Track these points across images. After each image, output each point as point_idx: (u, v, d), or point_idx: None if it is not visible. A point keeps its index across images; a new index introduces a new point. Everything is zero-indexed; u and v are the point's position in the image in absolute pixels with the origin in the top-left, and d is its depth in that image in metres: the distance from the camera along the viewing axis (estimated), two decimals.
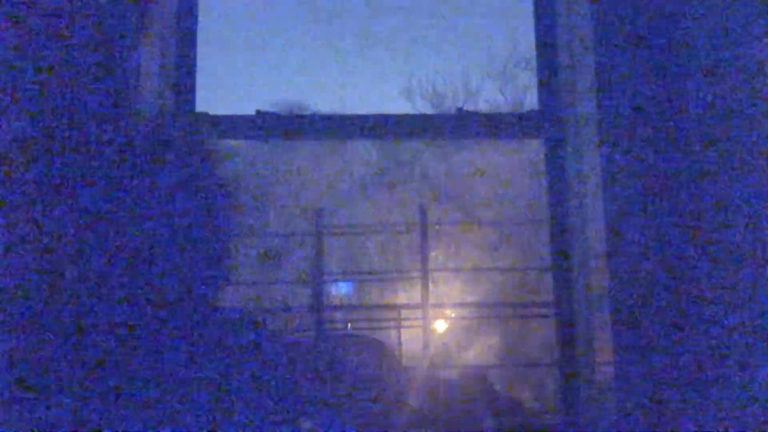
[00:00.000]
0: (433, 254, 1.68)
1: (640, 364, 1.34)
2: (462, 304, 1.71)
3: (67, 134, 0.97)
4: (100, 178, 0.93)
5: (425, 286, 1.61)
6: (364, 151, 1.82)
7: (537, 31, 1.70)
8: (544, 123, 1.65)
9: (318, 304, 1.66)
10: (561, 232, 1.61)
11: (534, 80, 1.72)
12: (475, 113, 1.71)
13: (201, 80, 1.64)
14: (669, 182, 1.40)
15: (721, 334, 1.27)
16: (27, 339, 0.86)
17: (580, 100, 1.56)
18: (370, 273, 1.72)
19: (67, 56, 1.06)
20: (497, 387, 1.55)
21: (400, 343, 1.67)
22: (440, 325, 1.71)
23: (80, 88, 1.07)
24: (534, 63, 1.72)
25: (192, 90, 1.62)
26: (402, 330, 1.67)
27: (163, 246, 0.96)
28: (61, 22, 1.07)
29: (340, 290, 1.75)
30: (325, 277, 1.70)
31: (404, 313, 1.68)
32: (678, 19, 1.42)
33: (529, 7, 1.71)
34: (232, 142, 1.66)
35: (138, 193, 0.97)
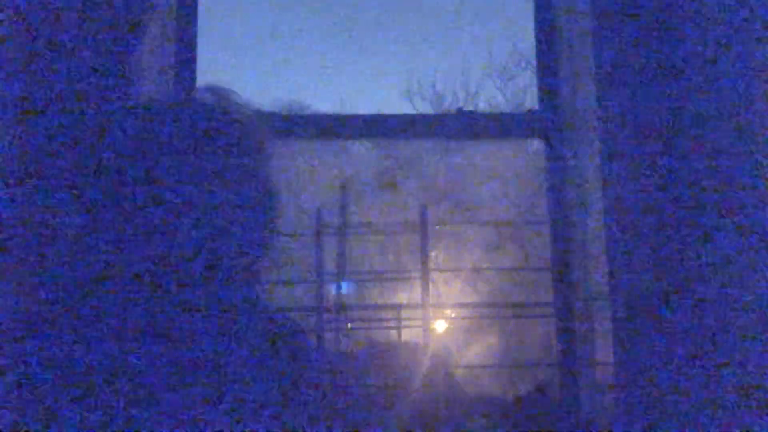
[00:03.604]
0: (433, 254, 1.68)
1: (640, 364, 1.34)
2: (462, 304, 1.71)
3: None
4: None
5: (425, 286, 1.61)
6: (364, 151, 1.82)
7: (537, 31, 1.70)
8: (544, 123, 1.65)
9: (327, 304, 1.65)
10: (561, 232, 1.60)
11: (534, 80, 1.72)
12: (475, 113, 1.71)
13: (201, 80, 1.64)
14: (670, 181, 1.40)
15: (723, 333, 1.27)
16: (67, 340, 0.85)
17: (580, 100, 1.56)
18: (370, 273, 1.72)
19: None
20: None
21: (400, 343, 1.67)
22: (440, 325, 1.71)
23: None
24: (534, 63, 1.72)
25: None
26: (402, 330, 1.67)
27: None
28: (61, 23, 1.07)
29: (340, 290, 1.75)
30: (326, 277, 1.70)
31: (404, 313, 1.68)
32: (679, 18, 1.42)
33: (529, 7, 1.71)
34: None
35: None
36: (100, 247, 0.86)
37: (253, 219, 0.92)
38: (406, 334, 1.67)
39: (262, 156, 0.95)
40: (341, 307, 1.63)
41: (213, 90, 0.97)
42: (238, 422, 0.84)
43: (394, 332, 1.69)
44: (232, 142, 0.91)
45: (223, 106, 0.94)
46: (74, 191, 0.91)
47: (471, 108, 1.76)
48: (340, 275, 1.65)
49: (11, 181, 0.96)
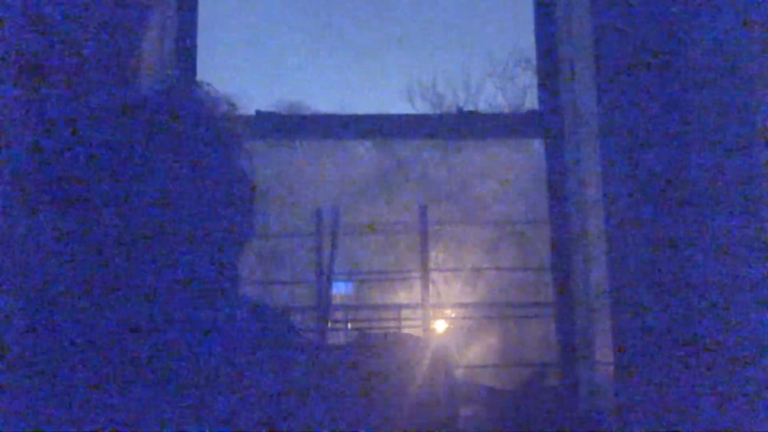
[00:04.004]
0: (433, 254, 1.69)
1: (640, 364, 1.34)
2: (462, 304, 1.72)
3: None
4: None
5: (425, 286, 1.61)
6: (364, 151, 1.82)
7: (537, 31, 1.70)
8: (544, 123, 1.65)
9: (321, 304, 1.66)
10: (561, 232, 1.60)
11: (534, 80, 1.72)
12: (475, 113, 1.71)
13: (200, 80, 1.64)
14: (669, 181, 1.40)
15: (725, 332, 1.27)
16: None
17: (580, 99, 1.56)
18: (370, 273, 1.73)
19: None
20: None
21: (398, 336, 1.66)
22: (440, 325, 1.71)
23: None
24: (534, 63, 1.72)
25: None
26: (402, 330, 1.67)
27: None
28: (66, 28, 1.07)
29: (340, 290, 1.75)
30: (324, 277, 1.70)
31: (404, 313, 1.69)
32: (678, 19, 1.42)
33: (529, 7, 1.71)
34: None
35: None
36: (72, 245, 0.85)
37: (228, 216, 0.91)
38: None
39: (238, 153, 0.94)
40: (329, 306, 1.62)
41: (188, 84, 0.96)
42: (229, 420, 0.84)
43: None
44: (206, 138, 0.90)
45: (197, 100, 0.93)
46: (47, 190, 0.90)
47: (471, 108, 1.77)
48: (331, 275, 1.65)
49: None
